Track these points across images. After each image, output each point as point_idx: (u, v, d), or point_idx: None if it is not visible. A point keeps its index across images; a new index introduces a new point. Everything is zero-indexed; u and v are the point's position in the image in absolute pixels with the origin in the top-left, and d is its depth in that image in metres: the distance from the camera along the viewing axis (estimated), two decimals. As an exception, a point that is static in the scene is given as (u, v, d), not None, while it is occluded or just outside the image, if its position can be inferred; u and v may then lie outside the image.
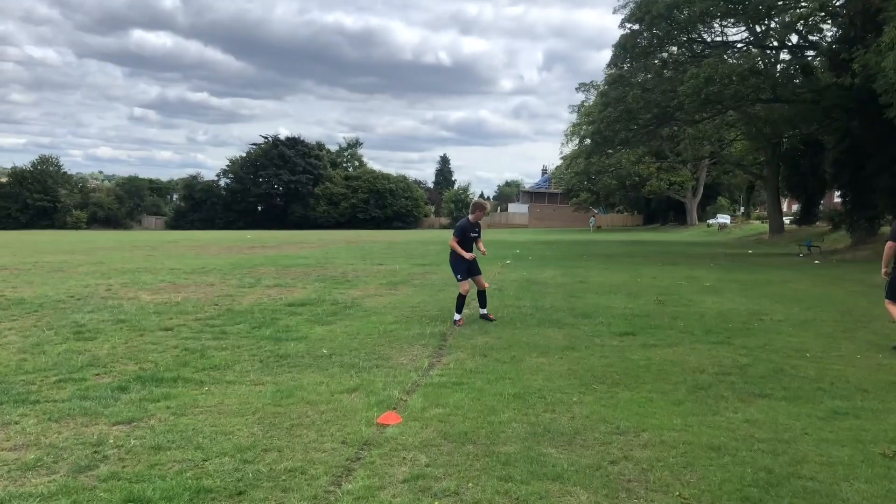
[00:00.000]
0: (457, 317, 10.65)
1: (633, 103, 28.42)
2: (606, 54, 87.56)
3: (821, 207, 46.70)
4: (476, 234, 11.09)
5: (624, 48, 30.32)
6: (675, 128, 38.39)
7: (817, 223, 44.92)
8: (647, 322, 10.66)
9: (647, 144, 40.57)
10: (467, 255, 10.77)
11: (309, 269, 20.29)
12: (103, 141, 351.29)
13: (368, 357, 8.06)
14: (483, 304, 11.22)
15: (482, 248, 11.33)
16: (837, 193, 38.04)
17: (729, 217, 79.73)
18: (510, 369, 7.53)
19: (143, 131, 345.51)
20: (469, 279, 10.95)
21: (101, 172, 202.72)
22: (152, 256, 26.80)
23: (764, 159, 45.12)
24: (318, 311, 11.33)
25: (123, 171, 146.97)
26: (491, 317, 10.99)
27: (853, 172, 31.15)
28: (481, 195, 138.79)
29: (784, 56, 32.15)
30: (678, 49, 32.74)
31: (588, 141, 38.00)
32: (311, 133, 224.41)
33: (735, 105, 29.91)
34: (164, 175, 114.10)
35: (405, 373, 7.35)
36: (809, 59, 30.64)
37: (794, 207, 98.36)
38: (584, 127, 46.55)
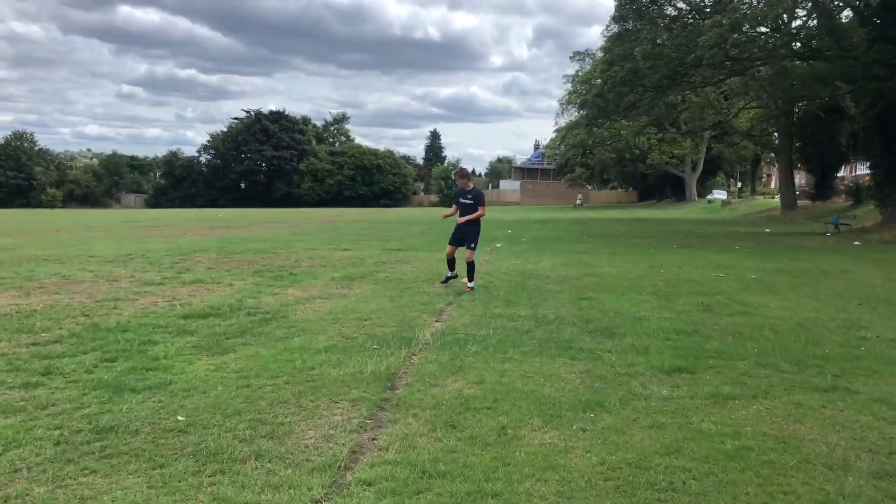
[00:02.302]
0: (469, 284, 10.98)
1: (641, 61, 24.75)
2: (596, 30, 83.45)
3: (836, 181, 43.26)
4: (469, 201, 11.33)
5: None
6: (686, 92, 34.71)
7: (833, 198, 41.55)
8: (700, 345, 7.22)
9: (652, 112, 36.87)
10: (459, 220, 11.35)
11: (258, 256, 16.80)
12: (91, 118, 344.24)
13: (251, 432, 4.62)
14: (467, 275, 11.19)
15: (458, 216, 11.49)
16: (866, 165, 34.66)
17: (725, 193, 76.47)
18: (495, 466, 4.10)
19: (132, 108, 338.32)
20: (456, 247, 11.43)
21: (89, 150, 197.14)
22: (90, 239, 23.25)
23: (776, 129, 41.59)
24: (221, 329, 7.84)
25: (112, 149, 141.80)
26: (469, 287, 10.93)
27: (886, 140, 27.74)
28: (472, 171, 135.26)
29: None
30: (686, 5, 29.02)
31: (586, 111, 34.16)
32: (300, 110, 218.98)
33: (766, 58, 26.20)
34: (153, 153, 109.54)
35: (299, 479, 3.90)
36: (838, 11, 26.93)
37: (798, 181, 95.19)
38: (582, 95, 42.94)
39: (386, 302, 9.71)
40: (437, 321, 8.46)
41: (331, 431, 4.67)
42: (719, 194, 72.76)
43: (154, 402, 5.24)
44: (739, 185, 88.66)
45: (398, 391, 5.60)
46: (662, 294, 10.50)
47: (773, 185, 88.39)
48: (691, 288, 11.15)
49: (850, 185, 38.38)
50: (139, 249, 18.48)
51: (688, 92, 35.72)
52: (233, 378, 5.88)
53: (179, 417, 4.89)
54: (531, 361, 6.53)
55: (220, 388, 5.57)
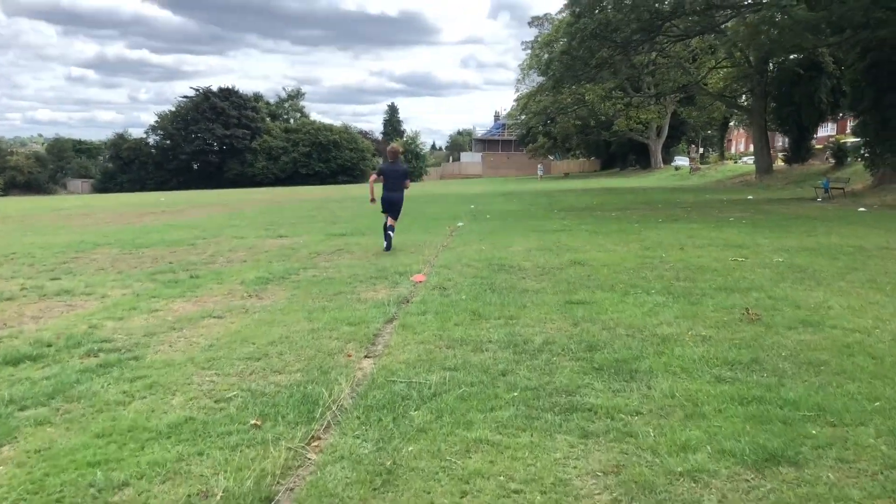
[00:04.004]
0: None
1: (612, 10, 21.89)
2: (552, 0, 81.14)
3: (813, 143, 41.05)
4: (397, 174, 12.82)
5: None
6: (659, 47, 31.93)
7: (811, 160, 39.39)
8: (777, 394, 4.55)
9: (621, 73, 34.10)
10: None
11: (169, 250, 13.86)
12: (41, 103, 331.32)
13: None
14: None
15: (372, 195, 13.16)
16: (852, 122, 32.52)
17: (687, 159, 74.40)
18: None
19: (83, 91, 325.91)
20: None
21: (40, 135, 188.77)
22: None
23: (749, 89, 39.18)
24: (22, 389, 4.98)
25: (65, 134, 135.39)
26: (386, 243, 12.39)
27: (877, 94, 25.40)
28: (433, 144, 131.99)
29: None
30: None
31: (552, 72, 31.27)
32: (257, 88, 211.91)
33: (755, 3, 23.50)
34: (108, 136, 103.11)
35: None
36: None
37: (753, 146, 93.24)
38: (544, 57, 40.08)
39: (301, 321, 6.88)
40: (366, 356, 5.69)
41: None
42: (681, 161, 70.69)
43: None
44: (701, 150, 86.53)
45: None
46: (678, 292, 7.81)
47: (733, 150, 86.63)
48: (712, 280, 8.49)
49: (832, 145, 36.11)
50: (32, 245, 15.44)
51: (660, 48, 33.03)
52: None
53: None
54: (514, 446, 3.82)
55: None
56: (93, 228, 20.52)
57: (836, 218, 16.89)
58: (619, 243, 12.55)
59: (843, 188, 24.89)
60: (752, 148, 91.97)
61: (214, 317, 7.26)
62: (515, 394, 4.65)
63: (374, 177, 13.15)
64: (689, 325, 6.31)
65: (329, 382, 4.95)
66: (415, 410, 4.39)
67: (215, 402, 4.69)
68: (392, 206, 12.73)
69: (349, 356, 5.61)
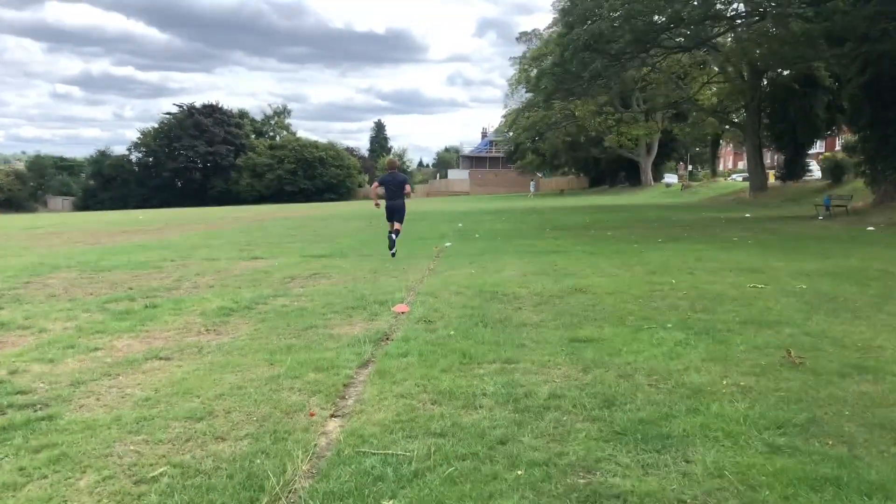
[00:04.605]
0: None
1: (605, 22, 21.03)
2: (537, 17, 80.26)
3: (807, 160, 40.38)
4: (396, 183, 13.86)
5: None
6: (653, 61, 31.12)
7: (805, 178, 38.70)
8: (856, 473, 3.56)
9: (614, 87, 33.24)
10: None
11: (132, 273, 12.79)
12: (26, 120, 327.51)
13: None
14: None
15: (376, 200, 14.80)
16: (841, 140, 31.86)
17: (676, 177, 73.80)
18: None
19: (68, 108, 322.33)
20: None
21: (24, 153, 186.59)
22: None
23: (743, 105, 38.48)
24: None
25: (49, 151, 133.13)
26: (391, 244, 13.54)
27: (877, 110, 24.66)
28: (420, 161, 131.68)
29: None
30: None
31: (543, 85, 30.32)
32: (243, 105, 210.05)
33: (751, 12, 22.62)
34: (92, 154, 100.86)
35: None
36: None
37: (741, 164, 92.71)
38: (533, 72, 39.23)
39: (260, 365, 5.83)
40: (333, 414, 4.64)
41: None
42: (670, 178, 70.04)
43: None
44: (690, 168, 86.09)
45: None
46: (699, 326, 6.81)
47: (721, 167, 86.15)
48: (733, 311, 7.49)
49: (828, 162, 35.37)
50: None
51: (652, 63, 32.26)
52: None
53: None
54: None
55: None
56: (59, 249, 19.37)
57: (847, 238, 15.97)
58: (621, 267, 11.56)
59: (845, 206, 24.06)
60: (739, 165, 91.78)
61: (161, 358, 6.20)
62: (519, 472, 3.63)
63: (375, 184, 14.82)
64: (722, 370, 5.30)
65: (283, 454, 3.91)
66: (389, 500, 3.36)
67: (135, 483, 3.64)
68: (394, 212, 13.81)
69: (312, 415, 4.56)
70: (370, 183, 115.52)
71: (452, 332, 6.78)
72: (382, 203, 14.17)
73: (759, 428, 4.14)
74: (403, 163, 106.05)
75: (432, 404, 4.71)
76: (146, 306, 8.92)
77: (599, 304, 8.16)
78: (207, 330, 7.36)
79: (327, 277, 11.30)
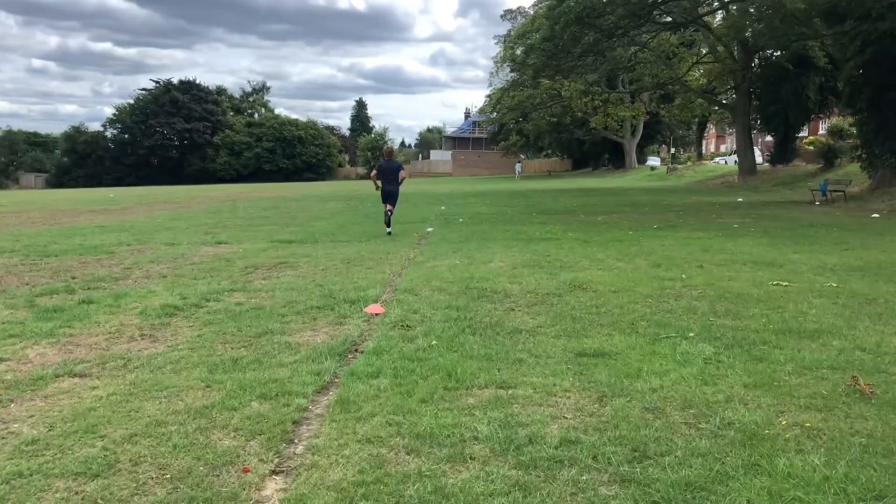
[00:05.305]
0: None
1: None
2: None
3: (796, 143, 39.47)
4: (391, 169, 15.62)
5: None
6: (642, 42, 29.90)
7: (796, 161, 37.82)
8: None
9: (604, 65, 31.98)
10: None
11: (81, 259, 11.58)
12: (1, 95, 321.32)
13: None
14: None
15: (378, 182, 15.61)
16: (834, 124, 30.98)
17: (658, 160, 72.89)
18: None
19: (45, 84, 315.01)
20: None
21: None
22: None
23: (732, 85, 37.43)
24: None
25: (25, 127, 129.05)
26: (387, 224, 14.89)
27: (875, 93, 23.67)
28: (402, 141, 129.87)
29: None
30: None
31: (532, 61, 28.94)
32: (223, 83, 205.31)
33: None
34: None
35: None
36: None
37: (724, 147, 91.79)
38: (519, 50, 37.90)
39: (193, 387, 4.66)
40: (275, 470, 3.48)
41: None
42: (652, 161, 69.21)
43: None
44: (672, 151, 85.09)
45: None
46: (727, 337, 5.71)
47: (703, 150, 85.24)
48: (762, 316, 6.40)
49: (820, 145, 34.42)
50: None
51: (642, 42, 31.07)
52: None
53: None
54: None
55: None
56: (9, 230, 18.01)
57: (856, 227, 14.96)
58: (621, 258, 10.46)
59: (843, 191, 23.10)
60: (722, 148, 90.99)
61: (75, 375, 5.03)
62: (530, 579, 2.51)
63: (374, 173, 15.93)
64: (774, 403, 4.21)
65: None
66: None
67: None
68: (389, 196, 15.21)
69: (246, 470, 3.41)
70: (350, 163, 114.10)
71: (435, 342, 5.64)
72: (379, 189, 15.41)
73: (850, 498, 3.05)
74: (385, 143, 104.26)
75: (408, 454, 3.57)
76: (82, 301, 7.71)
77: (604, 304, 7.04)
78: (142, 335, 6.18)
79: (294, 268, 10.12)
